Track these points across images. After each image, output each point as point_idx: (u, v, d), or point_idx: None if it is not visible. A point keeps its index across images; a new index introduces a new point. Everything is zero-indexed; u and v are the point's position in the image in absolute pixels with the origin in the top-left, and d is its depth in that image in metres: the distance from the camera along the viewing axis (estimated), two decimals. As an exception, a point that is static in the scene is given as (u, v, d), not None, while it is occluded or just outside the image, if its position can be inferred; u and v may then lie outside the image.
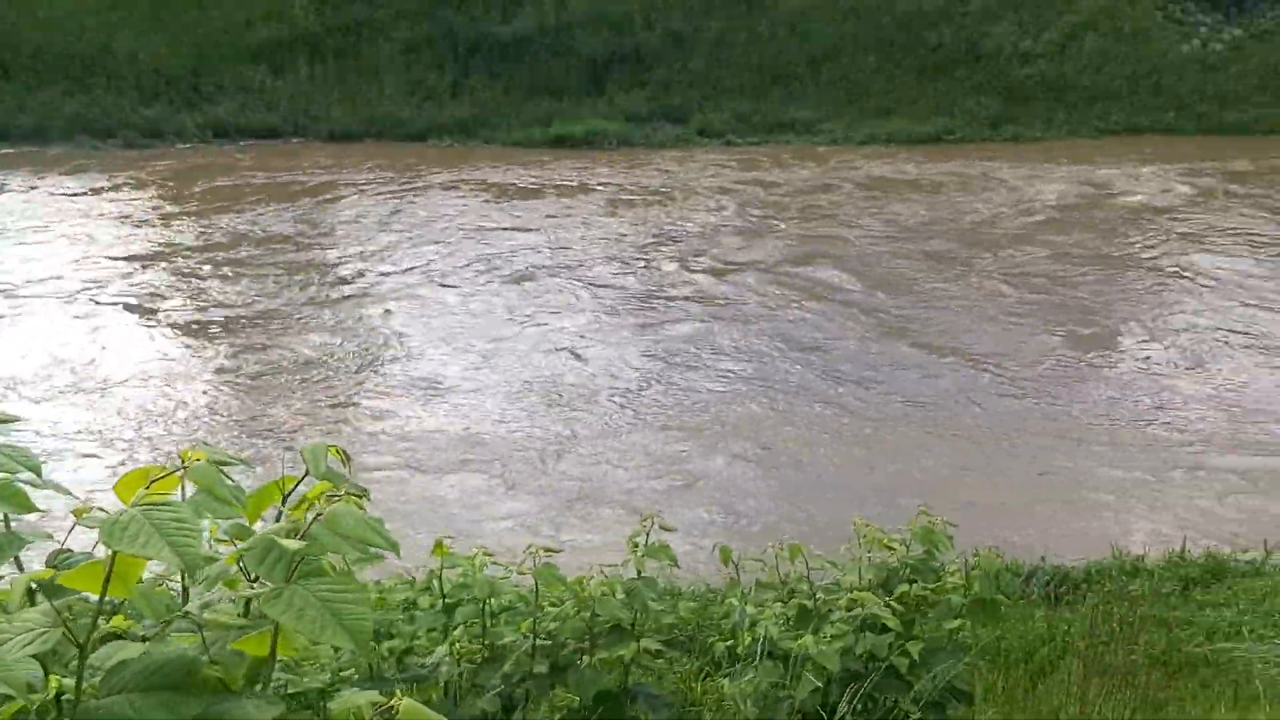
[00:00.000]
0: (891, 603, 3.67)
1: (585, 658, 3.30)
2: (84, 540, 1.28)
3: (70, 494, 1.53)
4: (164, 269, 17.29)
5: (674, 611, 3.57)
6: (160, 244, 18.47)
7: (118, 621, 1.33)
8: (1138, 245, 18.05)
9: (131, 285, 16.49)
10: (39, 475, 1.44)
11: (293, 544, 1.24)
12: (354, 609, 1.23)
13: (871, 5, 27.37)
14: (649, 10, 27.45)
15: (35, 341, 14.26)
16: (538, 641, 3.25)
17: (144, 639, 1.30)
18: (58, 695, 1.22)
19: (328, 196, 21.05)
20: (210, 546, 1.40)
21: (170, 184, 22.21)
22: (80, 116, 25.14)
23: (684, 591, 6.24)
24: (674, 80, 26.60)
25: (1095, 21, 27.03)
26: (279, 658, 1.30)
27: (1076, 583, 8.36)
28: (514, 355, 13.82)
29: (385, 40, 26.97)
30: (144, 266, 17.34)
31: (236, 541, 1.40)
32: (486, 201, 20.72)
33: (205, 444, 2.28)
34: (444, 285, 16.46)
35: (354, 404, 12.66)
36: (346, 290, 16.28)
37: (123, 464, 10.77)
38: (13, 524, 1.43)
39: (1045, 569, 8.56)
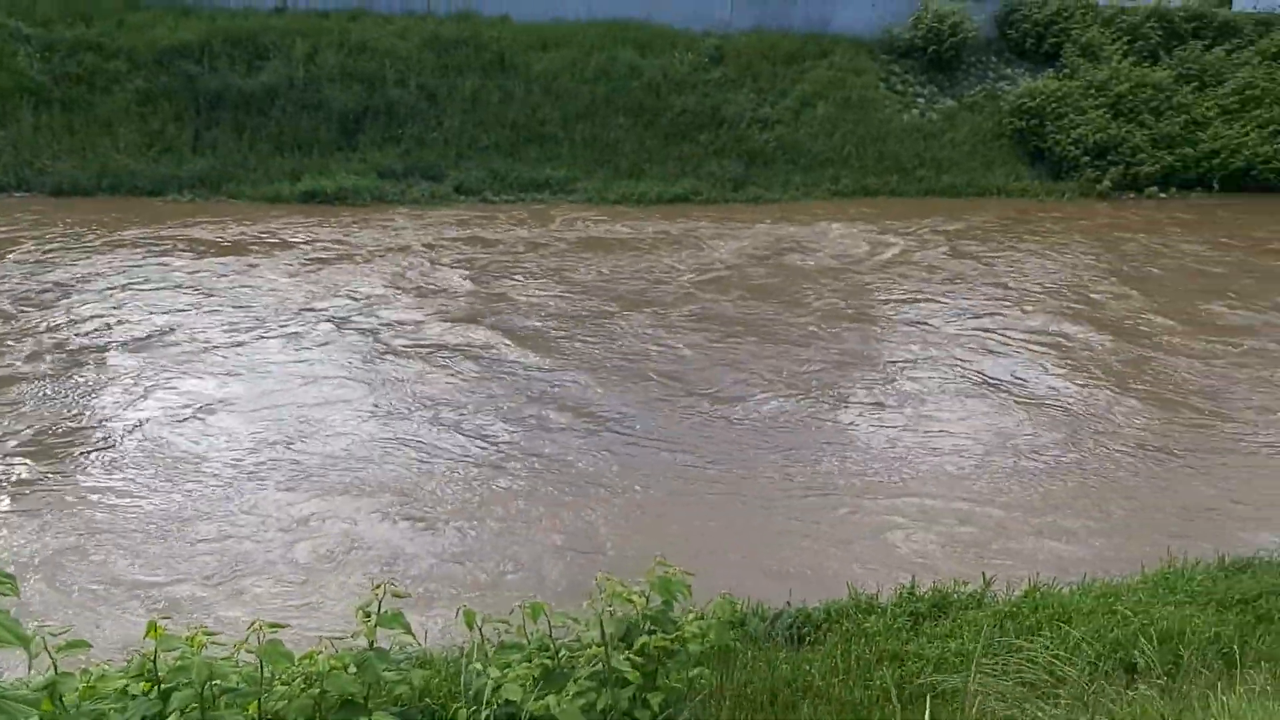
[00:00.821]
0: (632, 655, 3.76)
1: (315, 735, 3.21)
2: None
3: None
4: None
5: (406, 681, 3.52)
6: None
7: None
8: (848, 298, 19.26)
9: None
10: None
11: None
12: None
13: (621, 70, 28.27)
14: (401, 66, 27.33)
15: None
16: (264, 723, 3.14)
17: None
18: None
19: None
20: None
21: None
22: None
23: (431, 658, 6.17)
24: (428, 137, 26.54)
25: (825, 91, 28.92)
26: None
27: (818, 623, 8.77)
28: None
29: (120, 90, 25.64)
30: None
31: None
32: (165, 258, 19.93)
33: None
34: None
35: None
36: None
37: None
38: None
39: (789, 612, 8.94)
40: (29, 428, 12.88)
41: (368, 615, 3.23)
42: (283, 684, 3.15)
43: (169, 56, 26.19)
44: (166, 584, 9.71)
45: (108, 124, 25.09)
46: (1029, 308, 19.15)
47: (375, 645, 3.24)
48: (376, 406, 13.88)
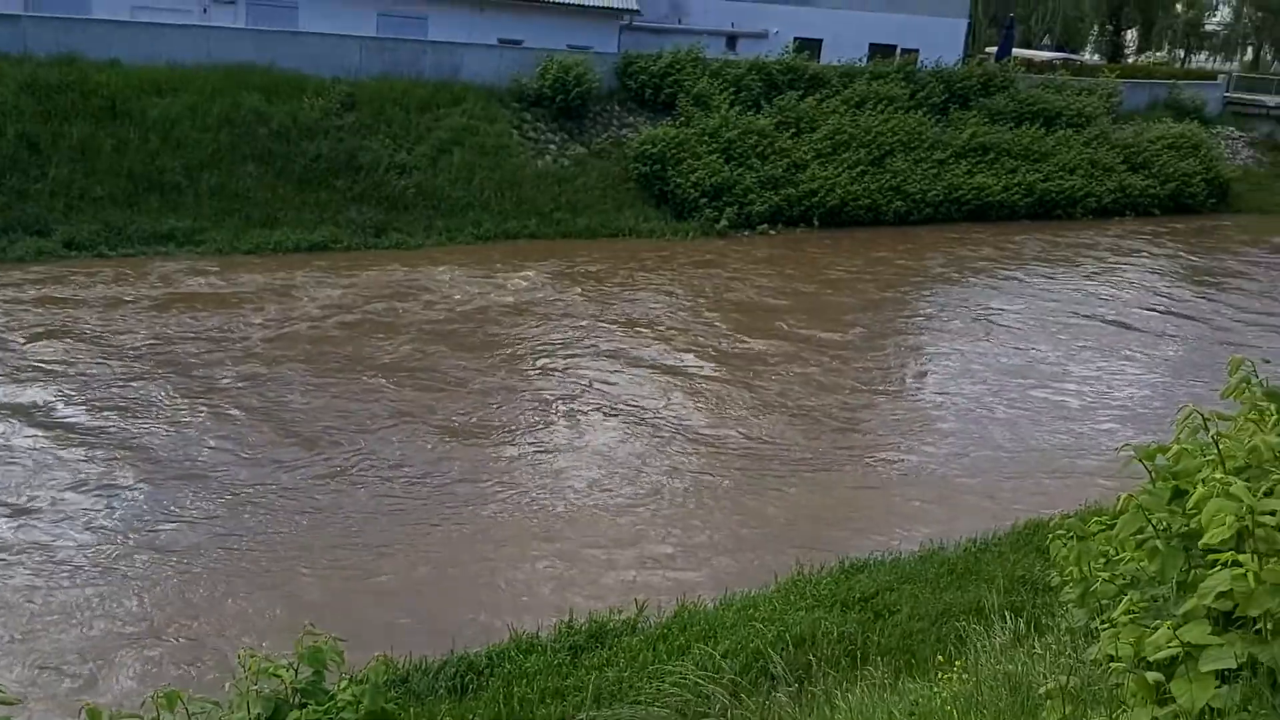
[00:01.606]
0: (286, 733, 3.69)
1: None
2: None
3: None
4: None
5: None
6: None
7: None
8: (477, 343, 19.67)
9: None
10: None
11: None
12: None
13: (247, 116, 27.23)
14: (-2, 114, 24.94)
15: None
16: None
17: None
18: None
19: None
20: None
21: None
22: None
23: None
24: (31, 189, 24.31)
25: (460, 138, 29.27)
26: None
27: (480, 669, 8.88)
28: None
29: None
30: None
31: None
32: None
33: None
34: None
35: None
36: None
37: None
38: None
39: (453, 661, 8.99)
40: None
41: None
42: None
43: None
44: None
45: None
46: (650, 339, 20.28)
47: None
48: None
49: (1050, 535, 4.92)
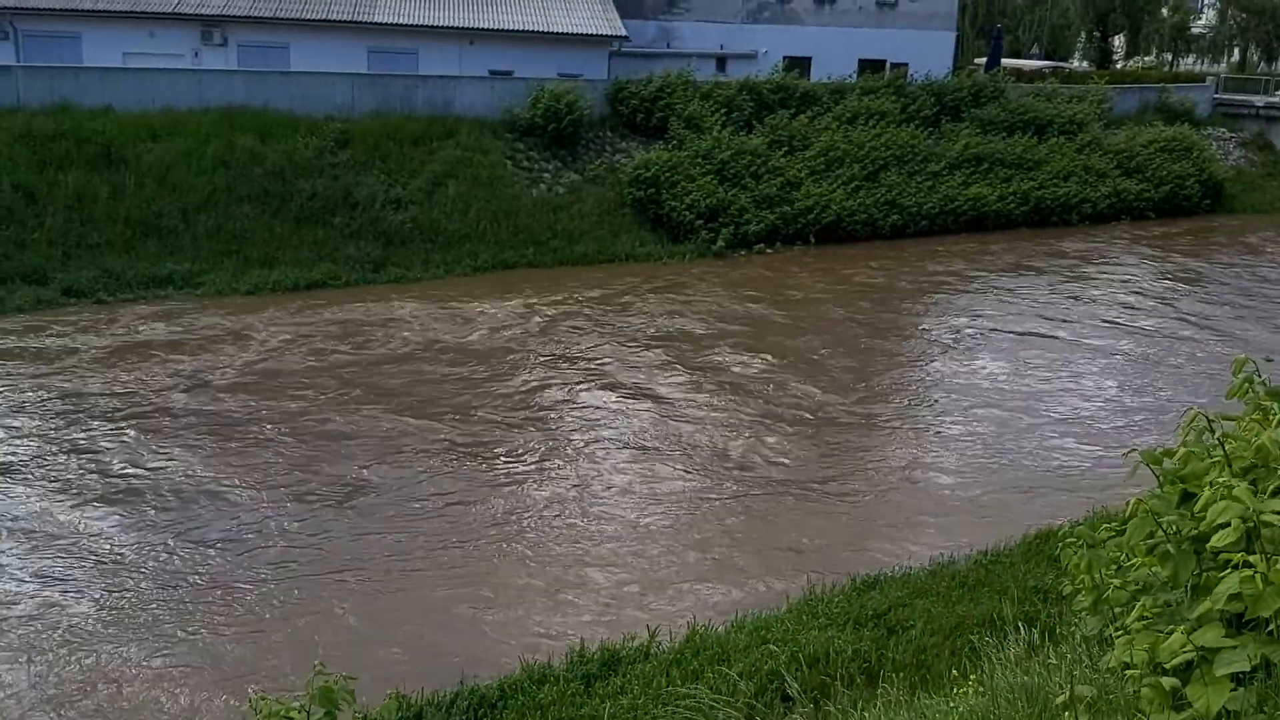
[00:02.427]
0: (301, 775, 3.68)
1: None
2: None
3: None
4: None
5: None
6: None
7: None
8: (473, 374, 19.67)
9: None
10: None
11: None
12: None
13: (241, 157, 27.37)
14: (-9, 165, 25.07)
15: None
16: None
17: None
18: None
19: None
20: None
21: None
22: None
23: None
24: (28, 239, 24.42)
25: (455, 170, 29.40)
26: None
27: (493, 702, 8.82)
28: None
29: None
30: None
31: None
32: None
33: None
34: None
35: None
36: None
37: None
38: None
39: (464, 693, 8.93)
40: None
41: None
42: None
43: None
44: None
45: None
46: (646, 363, 20.28)
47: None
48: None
49: (1060, 544, 4.89)
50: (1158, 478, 4.36)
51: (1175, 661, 3.17)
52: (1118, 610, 4.23)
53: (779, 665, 8.79)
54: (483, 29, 35.02)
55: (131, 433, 16.04)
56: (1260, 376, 4.10)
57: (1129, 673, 3.46)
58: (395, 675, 8.86)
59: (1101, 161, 38.22)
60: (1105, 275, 29.91)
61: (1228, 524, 2.99)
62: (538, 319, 23.16)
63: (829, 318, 24.46)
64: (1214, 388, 18.86)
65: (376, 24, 33.96)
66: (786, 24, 40.39)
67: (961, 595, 10.73)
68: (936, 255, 31.55)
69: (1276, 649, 2.79)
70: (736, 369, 20.22)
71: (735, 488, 14.90)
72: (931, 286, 28.03)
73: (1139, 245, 34.17)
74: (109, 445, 15.56)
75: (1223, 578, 3.04)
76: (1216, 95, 46.03)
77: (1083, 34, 60.01)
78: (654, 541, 13.17)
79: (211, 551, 12.52)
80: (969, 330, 23.78)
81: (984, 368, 21.10)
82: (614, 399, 18.35)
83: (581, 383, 19.14)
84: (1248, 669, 2.85)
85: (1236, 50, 59.15)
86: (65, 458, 15.07)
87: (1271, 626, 2.88)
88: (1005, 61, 46.20)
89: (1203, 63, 58.23)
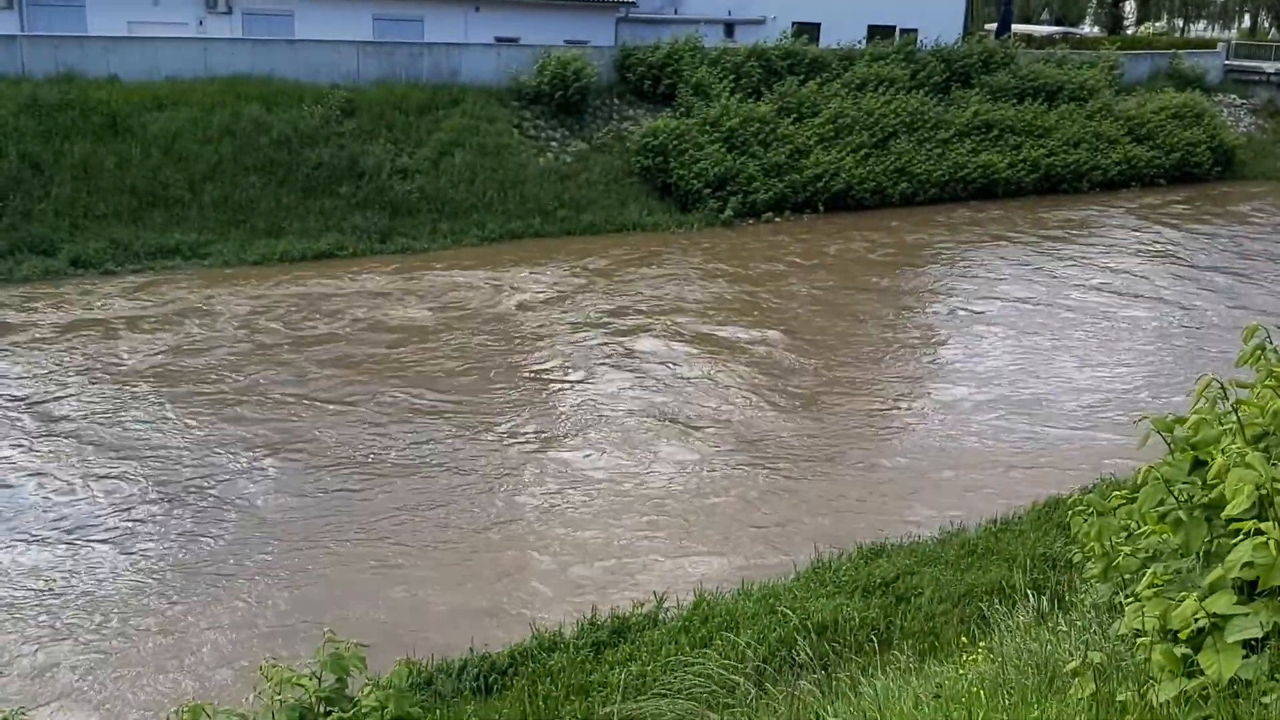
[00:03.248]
0: (313, 741, 3.70)
1: None
2: None
3: None
4: None
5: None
6: None
7: None
8: (476, 344, 19.67)
9: None
10: None
11: None
12: None
13: (247, 127, 27.26)
14: (-1, 136, 25.01)
15: None
16: None
17: None
18: None
19: None
20: None
21: None
22: None
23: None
24: (35, 209, 24.39)
25: (461, 139, 29.26)
26: None
27: (503, 669, 8.88)
28: None
29: None
30: None
31: None
32: None
33: None
34: None
35: None
36: None
37: None
38: None
39: (474, 660, 8.99)
40: None
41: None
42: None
43: None
44: None
45: None
46: (649, 333, 20.26)
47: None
48: None
49: (1070, 512, 4.88)
50: (1169, 445, 4.35)
51: (1187, 629, 3.17)
52: (1128, 578, 4.23)
53: (789, 631, 8.83)
54: (489, -4, 34.79)
55: (159, 399, 16.09)
56: (1272, 343, 4.08)
57: (1140, 640, 3.46)
58: (407, 644, 8.90)
59: (1112, 128, 37.94)
60: (1118, 244, 29.76)
61: (1240, 491, 2.98)
62: (545, 288, 23.13)
63: (836, 288, 24.39)
64: (1227, 354, 18.83)
65: (382, -9, 33.74)
66: (795, -11, 40.03)
67: (971, 563, 10.76)
68: (949, 223, 31.42)
69: (1289, 616, 2.79)
70: (742, 340, 20.19)
71: (740, 458, 14.90)
72: (940, 253, 27.93)
73: (1158, 211, 33.98)
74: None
75: (1235, 545, 3.03)
76: (1227, 61, 45.61)
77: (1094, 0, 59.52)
78: (661, 511, 13.20)
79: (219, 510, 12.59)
80: (976, 300, 23.70)
81: (991, 337, 21.05)
82: (622, 370, 18.34)
83: (589, 355, 19.13)
84: (1260, 636, 2.85)
85: (1247, 16, 58.58)
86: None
87: (1285, 593, 2.87)
88: (1015, 27, 45.82)
89: (1213, 29, 57.73)
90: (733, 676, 5.93)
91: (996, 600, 8.07)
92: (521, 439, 15.32)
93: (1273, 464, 3.48)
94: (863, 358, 19.47)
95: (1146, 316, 22.66)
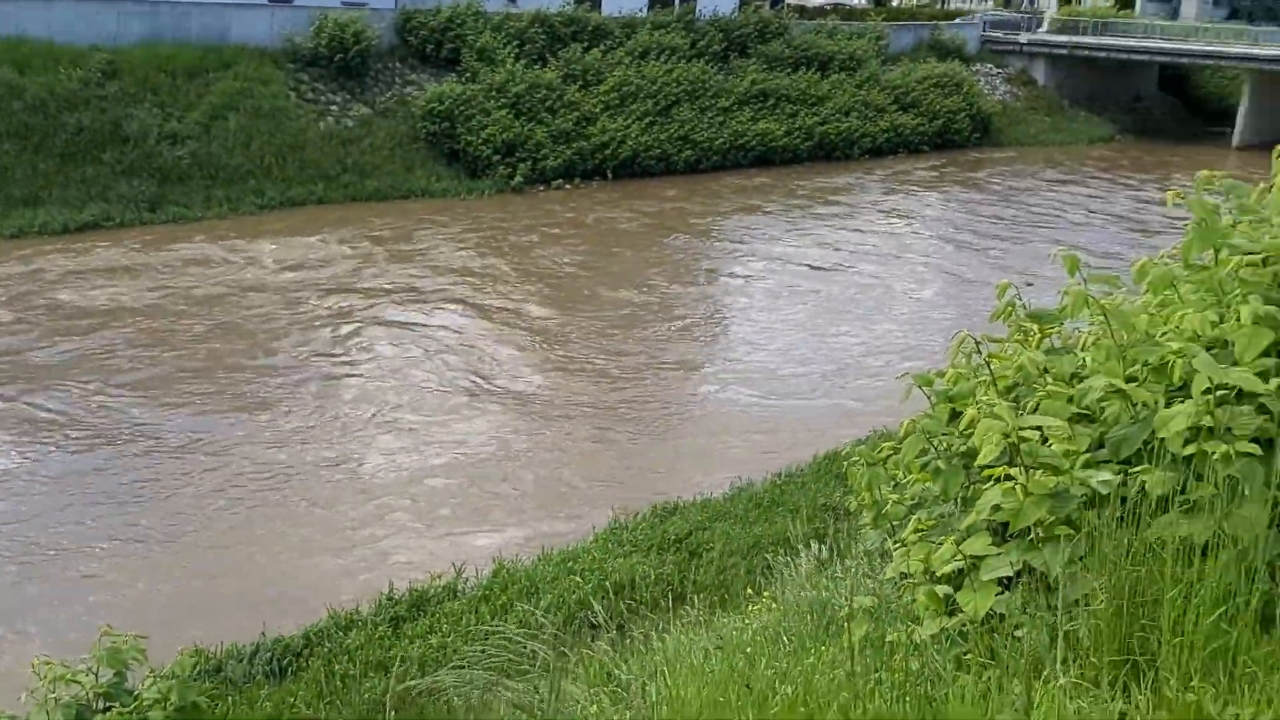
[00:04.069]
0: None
1: None
2: None
3: None
4: None
5: None
6: None
7: None
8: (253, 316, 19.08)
9: None
10: None
11: None
12: None
13: (-2, 89, 25.20)
14: None
15: None
16: None
17: None
18: None
19: None
20: None
21: None
22: None
23: None
24: None
25: (235, 103, 27.91)
26: None
27: (298, 651, 8.68)
28: None
29: None
30: None
31: None
32: None
33: None
34: None
35: None
36: None
37: None
38: None
39: (266, 645, 8.75)
40: None
41: None
42: None
43: None
44: None
45: None
46: (433, 301, 20.07)
47: None
48: None
49: (845, 463, 5.17)
50: (929, 398, 4.66)
51: (946, 569, 3.43)
52: (896, 524, 4.53)
53: (586, 594, 8.99)
54: (259, -47, 33.17)
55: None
56: (1021, 300, 4.43)
57: (905, 582, 3.72)
58: (189, 634, 8.58)
59: (880, 97, 39.71)
60: (869, 210, 31.28)
61: (990, 440, 3.22)
62: (328, 257, 22.46)
63: (620, 255, 24.70)
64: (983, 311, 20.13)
65: (141, -55, 31.65)
66: (576, -45, 39.92)
67: (758, 516, 11.20)
68: (734, 189, 32.23)
69: (1037, 554, 3.05)
70: (528, 307, 20.21)
71: (532, 424, 14.97)
72: (719, 220, 28.66)
73: (906, 179, 35.81)
74: None
75: (986, 490, 3.29)
76: (984, 33, 48.34)
77: (862, -29, 61.83)
78: (456, 480, 13.14)
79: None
80: (755, 264, 24.47)
81: (768, 298, 21.82)
82: (406, 341, 18.06)
83: (372, 324, 18.74)
84: (1011, 574, 3.10)
85: (1002, -10, 62.27)
86: None
87: (1032, 535, 3.14)
88: (790, -2, 47.17)
89: (972, 1, 61.04)
90: (531, 643, 6.01)
91: (781, 551, 8.45)
92: (301, 416, 14.89)
93: (1020, 414, 3.79)
94: (644, 326, 19.82)
95: (905, 279, 23.94)
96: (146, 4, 29.40)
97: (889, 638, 3.54)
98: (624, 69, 34.49)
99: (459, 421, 14.94)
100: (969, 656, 2.93)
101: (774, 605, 5.35)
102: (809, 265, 24.30)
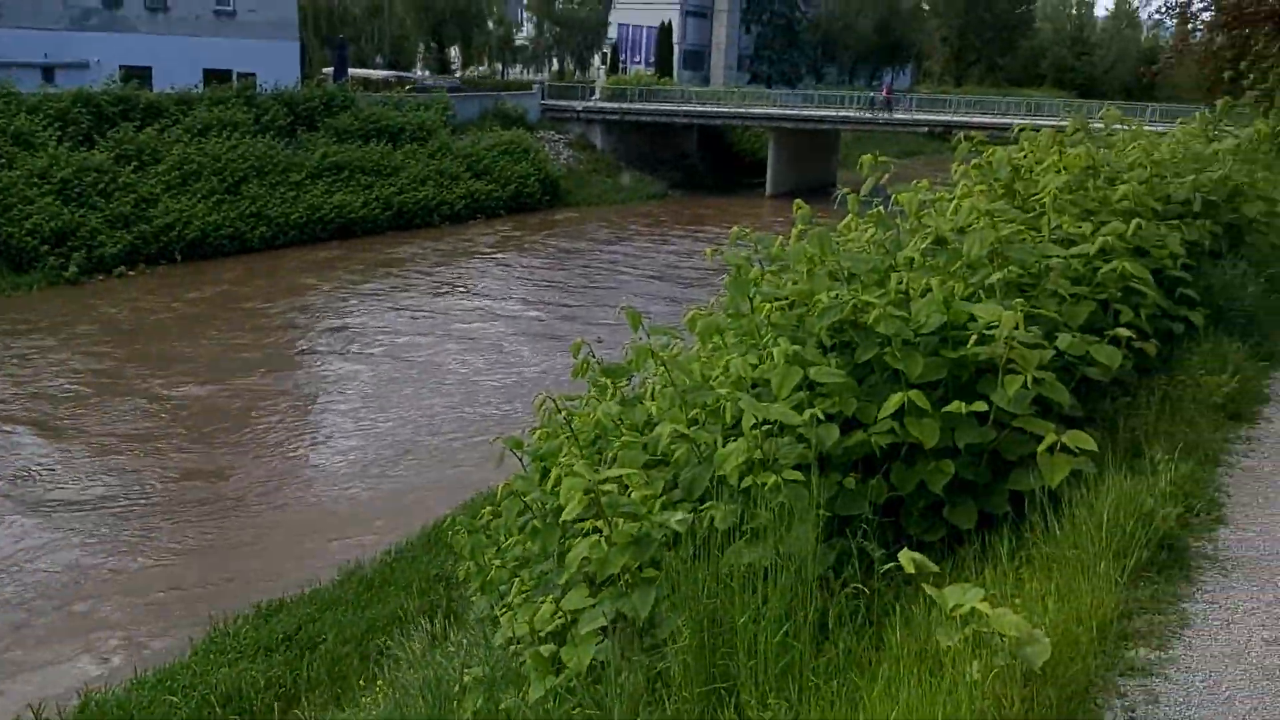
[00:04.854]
0: None
1: None
2: None
3: None
4: None
5: None
6: None
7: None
8: None
9: None
10: None
11: None
12: None
13: None
14: None
15: None
16: None
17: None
18: None
19: None
20: None
21: None
22: None
23: None
24: None
25: None
26: None
27: None
28: None
29: None
30: None
31: None
32: None
33: None
34: None
35: None
36: None
37: None
38: None
39: None
40: None
41: None
42: None
43: None
44: None
45: None
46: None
47: None
48: None
49: (450, 532, 5.15)
50: (520, 460, 4.77)
51: (550, 628, 3.51)
52: (502, 588, 4.57)
53: (187, 715, 8.30)
54: None
55: None
56: (595, 356, 4.65)
57: (514, 647, 3.76)
58: None
59: (454, 165, 40.41)
60: (461, 273, 31.76)
61: (573, 498, 3.34)
62: None
63: (191, 343, 23.30)
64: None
65: None
66: (118, 32, 37.46)
67: (370, 598, 10.86)
68: (301, 265, 31.31)
69: (626, 601, 3.19)
70: (83, 415, 18.57)
71: (113, 537, 13.70)
72: (295, 295, 27.83)
73: (469, 244, 36.61)
74: None
75: (577, 544, 3.41)
76: (544, 101, 50.58)
77: (421, 45, 62.72)
78: (18, 615, 11.72)
79: None
80: (339, 337, 23.93)
81: (359, 369, 21.44)
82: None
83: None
84: (605, 624, 3.22)
85: (555, 60, 65.45)
86: None
87: (621, 582, 3.28)
88: (353, 71, 46.94)
89: (528, 71, 63.68)
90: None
91: (396, 631, 8.26)
92: None
93: (601, 465, 3.96)
94: (235, 408, 18.81)
95: (511, 332, 24.41)
96: None
97: (502, 705, 3.55)
98: (183, 146, 32.69)
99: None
100: (576, 711, 3.00)
101: (388, 691, 5.20)
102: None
